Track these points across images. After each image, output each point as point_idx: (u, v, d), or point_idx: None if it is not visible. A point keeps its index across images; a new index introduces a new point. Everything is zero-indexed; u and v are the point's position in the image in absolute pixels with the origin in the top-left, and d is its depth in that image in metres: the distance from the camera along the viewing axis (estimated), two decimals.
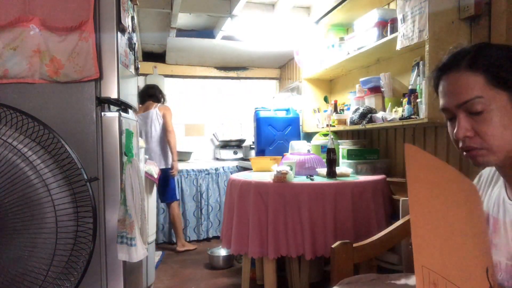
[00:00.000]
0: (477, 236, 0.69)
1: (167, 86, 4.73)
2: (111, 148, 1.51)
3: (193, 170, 4.16)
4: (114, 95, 1.53)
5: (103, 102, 1.54)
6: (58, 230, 1.06)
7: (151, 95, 3.75)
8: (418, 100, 1.99)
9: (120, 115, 1.54)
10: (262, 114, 3.43)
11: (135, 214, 1.48)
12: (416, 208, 0.60)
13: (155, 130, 3.65)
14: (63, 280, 1.11)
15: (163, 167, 3.63)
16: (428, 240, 0.60)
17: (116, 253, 1.48)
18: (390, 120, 2.16)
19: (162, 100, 3.85)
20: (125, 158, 1.54)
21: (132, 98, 1.87)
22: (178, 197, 3.88)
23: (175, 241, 3.91)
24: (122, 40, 1.64)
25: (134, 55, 1.89)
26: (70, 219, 1.11)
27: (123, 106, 1.74)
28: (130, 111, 1.87)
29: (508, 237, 0.82)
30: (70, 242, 1.12)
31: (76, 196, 1.14)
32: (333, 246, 1.66)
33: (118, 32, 1.57)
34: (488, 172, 0.97)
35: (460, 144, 0.82)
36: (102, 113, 1.52)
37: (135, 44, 1.89)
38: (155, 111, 3.66)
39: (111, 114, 1.53)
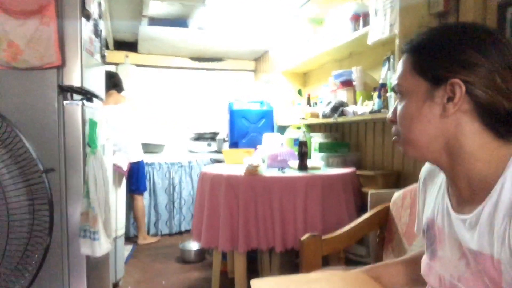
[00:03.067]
0: None
1: (140, 76, 4.62)
2: (73, 139, 1.45)
3: (165, 162, 4.09)
4: (77, 83, 1.47)
5: (66, 91, 1.48)
6: (10, 224, 1.00)
7: (115, 84, 3.60)
8: (388, 94, 2.01)
9: (83, 104, 1.48)
10: (236, 106, 3.40)
11: (99, 207, 1.43)
12: None
13: (130, 123, 3.58)
14: (18, 277, 1.06)
15: (139, 159, 3.61)
16: None
17: (79, 248, 1.43)
18: (360, 114, 2.18)
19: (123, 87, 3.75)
20: (88, 149, 1.48)
21: (98, 87, 1.80)
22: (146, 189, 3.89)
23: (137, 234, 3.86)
24: (87, 26, 1.57)
25: (100, 42, 1.82)
26: (24, 212, 1.06)
27: (88, 95, 1.68)
28: (95, 100, 1.80)
29: (453, 253, 0.74)
30: (25, 236, 1.07)
31: (31, 188, 1.09)
32: (302, 238, 1.66)
33: (82, 18, 1.50)
34: (425, 172, 0.91)
35: None
36: (64, 101, 1.46)
37: (101, 31, 1.82)
38: (129, 105, 3.59)
39: (74, 103, 1.47)
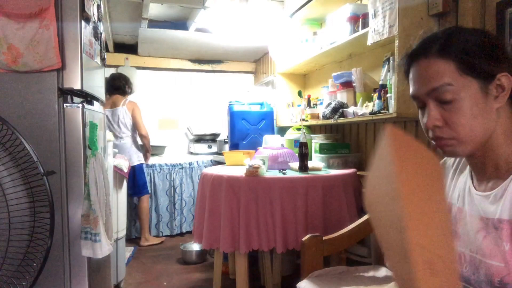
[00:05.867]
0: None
1: (140, 79, 4.63)
2: (74, 141, 1.46)
3: (166, 164, 4.09)
4: (77, 86, 1.48)
5: (66, 93, 1.49)
6: (11, 226, 1.00)
7: (117, 87, 3.57)
8: (388, 95, 2.01)
9: (83, 106, 1.49)
10: (236, 108, 3.40)
11: (100, 209, 1.43)
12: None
13: (126, 128, 3.56)
14: (19, 279, 1.06)
15: (135, 163, 3.58)
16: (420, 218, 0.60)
17: (80, 249, 1.44)
18: (360, 115, 2.18)
19: (130, 91, 3.69)
20: (89, 152, 1.48)
21: (98, 89, 1.81)
22: (149, 191, 3.87)
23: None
24: (87, 29, 1.58)
25: (100, 44, 1.82)
26: (25, 215, 1.06)
27: (88, 98, 1.68)
28: (96, 103, 1.81)
29: (473, 228, 0.79)
30: (26, 238, 1.07)
31: (32, 190, 1.09)
32: (303, 239, 1.66)
33: (82, 21, 1.51)
34: (452, 159, 0.93)
35: (430, 134, 0.80)
36: (65, 104, 1.46)
37: (101, 33, 1.82)
38: (123, 109, 3.54)
39: (74, 106, 1.47)
